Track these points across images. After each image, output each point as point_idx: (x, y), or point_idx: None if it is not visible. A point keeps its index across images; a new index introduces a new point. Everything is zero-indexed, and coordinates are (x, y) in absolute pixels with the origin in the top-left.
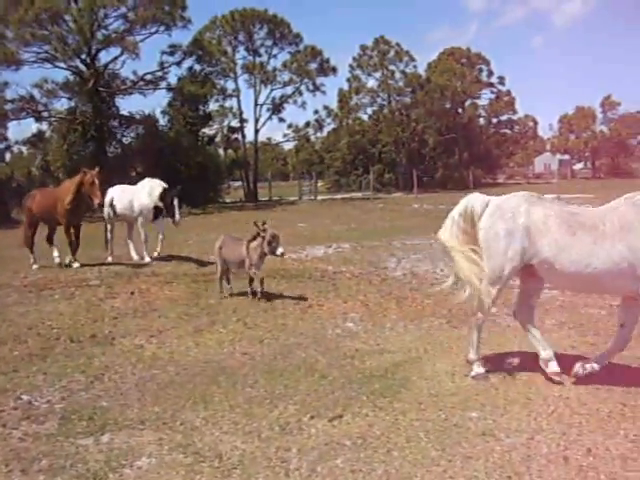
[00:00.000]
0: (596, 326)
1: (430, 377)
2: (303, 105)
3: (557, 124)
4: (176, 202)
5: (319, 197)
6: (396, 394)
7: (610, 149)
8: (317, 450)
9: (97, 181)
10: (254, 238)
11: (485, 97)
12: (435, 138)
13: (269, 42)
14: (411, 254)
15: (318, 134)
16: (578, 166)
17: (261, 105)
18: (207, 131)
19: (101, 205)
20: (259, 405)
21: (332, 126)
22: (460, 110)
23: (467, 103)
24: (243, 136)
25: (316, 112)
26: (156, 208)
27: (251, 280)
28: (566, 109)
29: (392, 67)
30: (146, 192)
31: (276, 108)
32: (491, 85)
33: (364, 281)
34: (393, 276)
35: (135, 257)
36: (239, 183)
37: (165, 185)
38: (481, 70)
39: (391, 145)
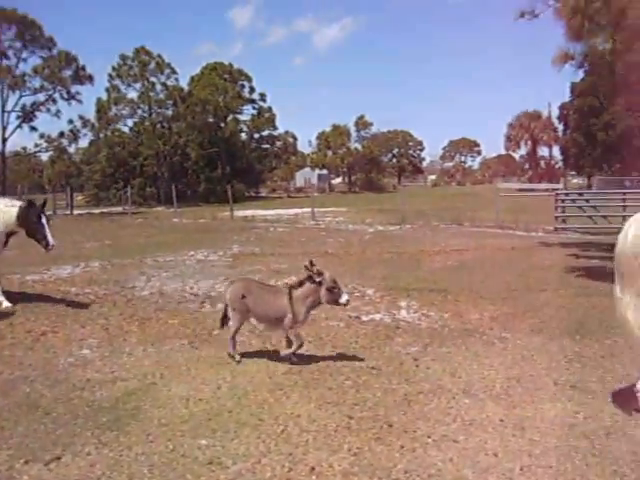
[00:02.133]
0: (334, 339)
1: (163, 404)
2: (57, 114)
3: (315, 140)
4: (45, 221)
5: (76, 212)
6: (124, 427)
7: (364, 165)
8: None
9: None
10: (300, 284)
11: (247, 113)
12: (197, 152)
13: (18, 44)
14: (162, 272)
15: (74, 145)
16: (337, 180)
17: (9, 112)
18: None
19: None
20: None
21: (90, 137)
22: (222, 124)
23: (229, 118)
24: None
25: (71, 122)
26: (8, 234)
27: (289, 342)
28: (324, 126)
29: (153, 79)
30: None
31: (27, 116)
32: (253, 101)
33: (108, 303)
34: (140, 296)
35: None
36: None
37: (19, 203)
38: (243, 86)
39: (153, 158)
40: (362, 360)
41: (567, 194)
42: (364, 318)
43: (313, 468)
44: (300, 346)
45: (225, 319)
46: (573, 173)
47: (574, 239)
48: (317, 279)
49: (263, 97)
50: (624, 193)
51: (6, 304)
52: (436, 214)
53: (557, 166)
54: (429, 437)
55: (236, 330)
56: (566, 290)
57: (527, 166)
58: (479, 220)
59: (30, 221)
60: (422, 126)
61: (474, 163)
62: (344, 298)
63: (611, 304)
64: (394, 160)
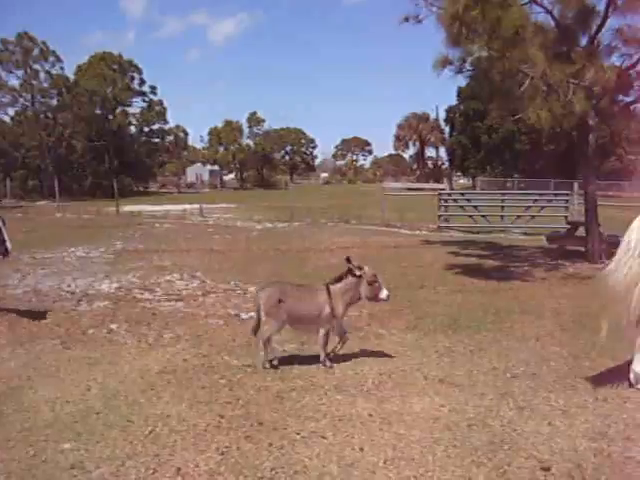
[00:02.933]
0: (212, 337)
1: (27, 408)
2: None
3: (207, 136)
4: (1, 224)
5: None
6: None
7: (256, 161)
8: None
9: None
10: (339, 279)
11: (137, 105)
12: (84, 144)
13: None
14: (39, 269)
15: None
16: (230, 176)
17: None
18: None
19: None
20: None
21: None
22: (110, 117)
23: (118, 110)
24: None
25: None
26: None
27: (343, 340)
28: (216, 122)
29: (37, 66)
30: None
31: None
32: (143, 94)
33: None
34: (13, 294)
35: None
36: None
37: None
38: (133, 78)
39: (36, 150)
40: (238, 358)
41: (450, 194)
42: (244, 316)
43: (179, 469)
44: (344, 340)
45: (257, 326)
46: (459, 174)
47: (456, 237)
48: (358, 273)
49: (154, 90)
50: (503, 194)
51: None
52: (325, 212)
53: (444, 167)
54: (298, 434)
55: (270, 337)
56: (443, 287)
57: (415, 166)
58: (366, 218)
59: None
60: (315, 124)
61: (366, 162)
62: (384, 293)
63: (483, 300)
64: (287, 157)
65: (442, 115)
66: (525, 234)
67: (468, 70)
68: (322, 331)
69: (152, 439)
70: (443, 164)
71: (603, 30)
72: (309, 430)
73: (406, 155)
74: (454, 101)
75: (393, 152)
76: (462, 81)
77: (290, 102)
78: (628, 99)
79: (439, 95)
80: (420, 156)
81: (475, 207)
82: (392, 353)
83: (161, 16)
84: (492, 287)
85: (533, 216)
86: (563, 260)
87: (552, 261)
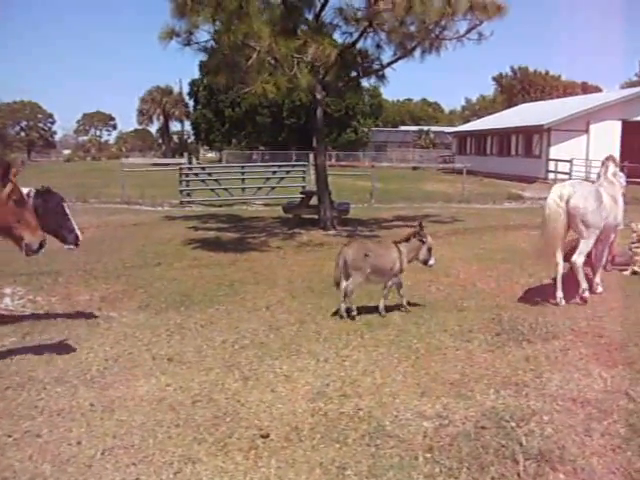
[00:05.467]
0: None
1: None
2: None
3: None
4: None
5: None
6: None
7: None
8: None
9: None
10: (406, 239)
11: None
12: None
13: None
14: None
15: None
16: None
17: None
18: None
19: None
20: None
21: None
22: None
23: None
24: None
25: None
26: None
27: (386, 295)
28: None
29: None
30: None
31: None
32: None
33: None
34: None
35: None
36: None
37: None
38: None
39: None
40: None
41: (190, 168)
42: None
43: None
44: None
45: (339, 279)
46: (207, 147)
47: (197, 212)
48: (423, 239)
49: None
50: (243, 167)
51: None
52: (62, 191)
53: (189, 141)
54: (10, 436)
55: (354, 288)
56: (180, 262)
57: (161, 140)
58: (106, 196)
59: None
60: (53, 98)
61: (110, 137)
62: (433, 260)
63: (219, 273)
64: (22, 134)
65: (186, 89)
66: (266, 205)
67: (196, 43)
68: (390, 283)
69: None
70: (189, 138)
71: (327, 8)
72: (23, 430)
73: (152, 129)
74: (197, 75)
75: (139, 127)
76: (183, 53)
77: (22, 73)
78: (353, 74)
79: (183, 68)
80: (165, 130)
81: (216, 180)
82: (121, 336)
83: None
84: (229, 259)
85: (273, 187)
86: (299, 229)
87: (288, 230)
